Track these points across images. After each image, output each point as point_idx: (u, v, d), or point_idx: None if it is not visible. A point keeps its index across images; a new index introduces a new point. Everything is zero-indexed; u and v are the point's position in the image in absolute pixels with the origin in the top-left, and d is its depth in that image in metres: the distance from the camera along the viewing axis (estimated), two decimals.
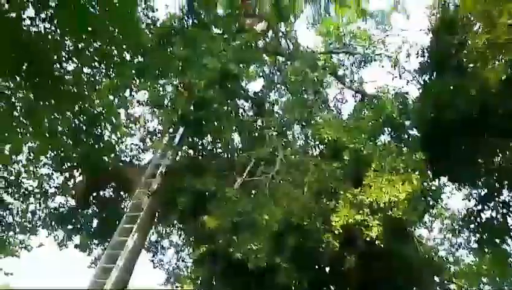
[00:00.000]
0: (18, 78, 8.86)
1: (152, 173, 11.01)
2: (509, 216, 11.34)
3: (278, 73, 12.47)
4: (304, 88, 11.40)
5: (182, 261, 16.30)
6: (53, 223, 13.20)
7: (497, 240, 11.90)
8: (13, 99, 9.33)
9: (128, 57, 10.07)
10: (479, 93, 8.62)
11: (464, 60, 8.80)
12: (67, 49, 9.60)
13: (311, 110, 11.17)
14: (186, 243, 14.21)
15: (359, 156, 8.19)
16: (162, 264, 16.36)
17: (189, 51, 9.45)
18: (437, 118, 9.12)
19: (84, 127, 11.10)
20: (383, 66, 13.09)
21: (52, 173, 12.46)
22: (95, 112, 11.04)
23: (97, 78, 10.58)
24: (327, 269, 10.46)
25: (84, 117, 10.92)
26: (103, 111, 11.13)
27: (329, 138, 8.57)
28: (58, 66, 9.42)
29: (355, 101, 13.04)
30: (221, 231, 8.60)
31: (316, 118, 10.98)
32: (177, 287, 16.02)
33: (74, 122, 10.91)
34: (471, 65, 8.62)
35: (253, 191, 10.38)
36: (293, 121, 11.75)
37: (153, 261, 16.22)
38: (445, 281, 12.21)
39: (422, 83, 10.62)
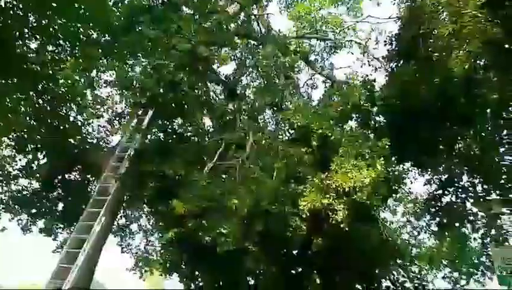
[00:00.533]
0: None
1: (120, 156, 10.81)
2: (468, 201, 11.90)
3: (250, 57, 12.39)
4: (275, 73, 11.40)
5: (151, 245, 16.25)
6: (16, 206, 12.80)
7: (457, 224, 12.48)
8: None
9: (95, 36, 9.74)
10: (443, 82, 8.87)
11: (430, 49, 9.01)
12: (30, 25, 9.18)
13: (282, 95, 11.23)
14: (155, 227, 14.13)
15: (327, 142, 8.32)
16: (130, 249, 16.27)
17: (159, 31, 9.20)
18: (402, 105, 9.36)
19: (48, 108, 10.71)
20: (352, 53, 13.30)
21: (14, 155, 12.01)
22: (60, 92, 10.65)
23: (62, 56, 10.21)
24: (295, 252, 10.67)
25: (49, 97, 10.53)
26: (68, 91, 10.74)
27: (299, 123, 8.64)
28: (20, 42, 9.01)
29: (325, 87, 13.21)
30: (190, 215, 8.56)
31: (287, 103, 11.04)
32: (146, 271, 15.98)
33: (38, 102, 10.51)
34: (437, 54, 8.84)
35: (223, 176, 10.40)
36: (264, 106, 11.77)
37: (121, 245, 16.09)
38: (407, 263, 12.75)
39: (389, 70, 10.84)
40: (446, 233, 13.11)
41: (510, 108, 10.10)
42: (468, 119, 9.87)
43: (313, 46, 14.69)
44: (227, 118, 11.71)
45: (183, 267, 10.51)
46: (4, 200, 12.71)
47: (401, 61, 10.45)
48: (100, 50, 9.89)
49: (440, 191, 12.11)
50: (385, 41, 11.00)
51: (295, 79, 12.02)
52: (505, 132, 10.58)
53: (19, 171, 12.42)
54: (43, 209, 13.23)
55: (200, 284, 11.50)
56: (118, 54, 9.55)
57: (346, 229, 8.12)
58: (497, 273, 12.52)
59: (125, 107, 12.34)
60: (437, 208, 12.32)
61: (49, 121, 10.80)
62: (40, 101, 10.58)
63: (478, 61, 9.20)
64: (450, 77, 8.84)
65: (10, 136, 11.24)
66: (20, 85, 9.39)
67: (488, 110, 10.20)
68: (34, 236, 13.53)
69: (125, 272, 16.36)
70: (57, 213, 13.37)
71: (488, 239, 12.70)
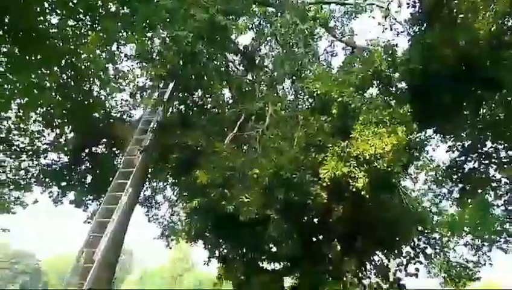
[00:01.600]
0: (0, 32, 8.63)
1: (143, 129, 11.07)
2: (491, 167, 11.70)
3: (268, 25, 12.21)
4: (294, 41, 11.24)
5: (176, 215, 16.77)
6: (47, 179, 13.34)
7: (479, 190, 12.33)
8: None
9: (113, 9, 9.79)
10: (468, 45, 8.59)
11: (455, 10, 8.68)
12: (49, 0, 9.30)
13: (301, 64, 11.11)
14: (179, 197, 14.53)
15: (347, 109, 8.26)
16: (156, 219, 16.86)
17: (176, 1, 9.16)
18: (425, 70, 9.12)
19: (72, 83, 10.95)
20: (374, 17, 12.89)
21: (42, 130, 12.42)
22: (83, 67, 10.85)
23: (82, 31, 10.34)
24: (315, 220, 10.83)
25: (72, 72, 10.76)
26: (91, 66, 10.93)
27: (319, 92, 8.58)
28: (42, 19, 9.16)
29: (345, 54, 12.96)
30: (213, 185, 8.78)
31: (306, 72, 10.93)
32: (172, 239, 16.60)
33: (62, 77, 10.76)
34: (462, 16, 8.52)
35: (244, 146, 10.54)
36: (283, 75, 11.69)
37: (147, 215, 16.68)
38: (429, 231, 12.76)
39: (412, 34, 10.51)
40: (468, 200, 12.99)
41: None
42: (493, 83, 9.56)
43: (333, 12, 14.30)
44: (246, 88, 11.71)
45: (208, 235, 10.85)
46: (35, 174, 13.23)
47: (425, 25, 10.10)
48: (119, 23, 9.97)
49: (463, 158, 11.93)
50: (408, 3, 10.59)
51: (314, 47, 11.79)
52: None
53: (48, 145, 12.85)
54: (73, 182, 13.77)
55: (224, 251, 11.90)
56: (136, 26, 9.60)
57: (367, 196, 8.20)
58: None
59: (146, 80, 12.50)
60: (459, 175, 12.18)
61: (73, 95, 11.08)
62: (64, 77, 10.83)
63: (505, 22, 8.84)
64: (475, 40, 8.55)
65: (37, 112, 11.61)
66: (44, 61, 9.62)
67: None
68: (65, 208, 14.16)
69: (153, 241, 17.07)
70: (86, 185, 13.92)
71: None
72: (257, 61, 12.58)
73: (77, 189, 13.85)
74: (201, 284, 63.01)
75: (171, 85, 10.77)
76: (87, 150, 13.45)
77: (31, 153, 12.70)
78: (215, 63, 10.22)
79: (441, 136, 11.94)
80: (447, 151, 12.17)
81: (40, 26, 9.13)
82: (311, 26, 11.18)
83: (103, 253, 9.14)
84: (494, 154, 11.45)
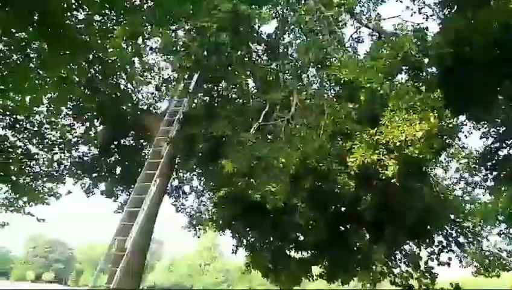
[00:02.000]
0: (31, 29, 8.87)
1: (170, 120, 11.20)
2: None
3: (292, 13, 12.01)
4: (318, 28, 11.03)
5: (203, 205, 16.97)
6: (78, 171, 13.77)
7: None
8: (28, 51, 9.41)
9: (138, 2, 9.88)
10: (501, 28, 8.20)
11: None
12: None
13: (326, 51, 10.90)
14: (206, 187, 14.70)
15: (376, 96, 8.07)
16: (184, 208, 17.11)
17: None
18: (456, 55, 8.78)
19: (100, 77, 11.19)
20: (401, 1, 12.43)
21: (73, 123, 12.79)
22: (110, 61, 11.05)
23: (109, 26, 10.50)
24: (343, 208, 10.74)
25: (100, 67, 10.98)
26: (117, 60, 11.12)
27: (345, 79, 8.42)
28: (68, 14, 9.37)
29: (372, 40, 12.63)
30: (239, 174, 8.82)
31: (332, 60, 10.73)
32: (200, 229, 16.85)
33: (90, 72, 11.00)
34: None
35: (269, 136, 10.50)
36: (308, 64, 11.52)
37: (175, 205, 16.95)
38: (461, 220, 12.43)
39: (442, 17, 10.12)
40: (503, 188, 12.54)
41: None
42: None
43: None
44: (271, 77, 11.63)
45: (235, 224, 10.94)
46: (67, 166, 13.67)
47: (455, 7, 9.71)
48: (143, 17, 10.07)
49: (497, 145, 11.50)
50: None
51: (340, 34, 11.53)
52: None
53: (78, 138, 13.23)
54: (103, 173, 14.17)
55: (252, 239, 12.00)
56: (160, 19, 9.67)
57: (397, 184, 8.04)
58: None
59: (171, 72, 12.63)
60: (493, 162, 11.75)
61: (101, 89, 11.32)
62: (92, 71, 11.07)
63: None
64: (508, 22, 8.15)
65: (67, 106, 11.94)
66: (72, 56, 9.83)
67: None
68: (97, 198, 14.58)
69: (181, 230, 17.38)
70: (116, 176, 14.29)
71: None
72: (281, 50, 12.44)
73: (107, 180, 14.26)
74: (229, 273, 63.98)
75: (196, 76, 10.82)
76: (116, 142, 13.78)
77: (62, 145, 13.11)
78: (240, 53, 10.16)
79: (474, 122, 11.53)
80: (481, 138, 11.78)
81: (67, 22, 9.34)
82: (336, 13, 10.91)
83: (134, 241, 9.37)
84: None
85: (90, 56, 10.53)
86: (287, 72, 11.77)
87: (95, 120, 12.72)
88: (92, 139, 13.20)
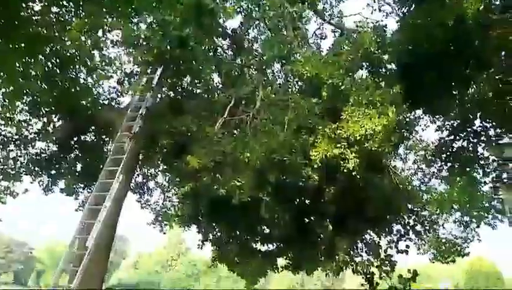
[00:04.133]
0: None
1: (133, 115, 10.96)
2: (479, 145, 11.88)
3: (256, 8, 12.05)
4: (282, 24, 11.14)
5: (169, 201, 16.78)
6: (36, 168, 13.21)
7: (467, 168, 12.55)
8: None
9: None
10: (456, 24, 8.60)
11: None
12: None
13: (290, 47, 11.03)
14: (171, 183, 14.55)
15: (337, 91, 8.28)
16: (149, 205, 16.85)
17: None
18: (414, 51, 9.14)
19: (58, 70, 10.77)
20: None
21: (29, 119, 12.23)
22: (68, 54, 10.66)
23: (66, 17, 10.11)
24: (307, 201, 10.98)
25: (57, 60, 10.57)
26: (76, 53, 10.74)
27: (308, 74, 8.57)
28: (23, 6, 8.93)
29: (335, 37, 12.89)
30: (204, 169, 8.81)
31: (296, 55, 10.88)
32: (165, 225, 16.66)
33: (47, 65, 10.56)
34: None
35: (235, 131, 10.54)
36: (273, 59, 11.62)
37: (140, 202, 16.67)
38: (419, 209, 13.03)
39: (401, 15, 10.48)
40: (457, 178, 13.22)
41: None
42: (481, 62, 9.64)
43: None
44: (236, 72, 11.64)
45: (200, 219, 10.94)
46: (24, 163, 13.09)
47: (413, 5, 10.06)
48: (104, 9, 9.76)
49: (451, 137, 12.08)
50: None
51: (303, 30, 11.70)
52: None
53: (35, 134, 12.68)
54: (63, 170, 13.65)
55: (218, 234, 12.04)
56: (122, 11, 9.41)
57: (358, 177, 8.31)
58: (508, 215, 12.75)
59: (133, 66, 12.31)
60: (448, 154, 12.35)
61: (60, 83, 10.89)
62: (50, 64, 10.63)
63: (493, 1, 8.85)
64: (463, 19, 8.55)
65: (23, 101, 11.41)
66: (28, 49, 9.41)
67: (503, 53, 9.93)
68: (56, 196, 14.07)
69: (146, 227, 17.11)
70: (76, 173, 13.82)
71: (500, 183, 12.78)
72: (246, 45, 12.46)
73: (67, 177, 13.74)
74: (196, 267, 63.83)
75: (159, 70, 10.62)
76: (76, 138, 13.29)
77: (18, 142, 12.54)
78: (204, 47, 10.08)
79: (430, 116, 12.07)
80: (436, 131, 12.33)
81: (22, 13, 8.91)
82: (300, 9, 11.06)
83: (96, 239, 9.16)
84: (482, 133, 11.61)
85: (47, 49, 10.13)
86: (252, 67, 11.82)
87: (53, 115, 12.24)
88: (50, 135, 12.70)
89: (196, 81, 11.27)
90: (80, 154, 13.64)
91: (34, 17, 9.28)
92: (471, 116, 11.41)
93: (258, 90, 10.60)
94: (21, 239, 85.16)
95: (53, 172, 13.59)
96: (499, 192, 12.83)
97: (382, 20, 10.88)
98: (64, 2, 9.53)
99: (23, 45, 9.30)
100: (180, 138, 9.46)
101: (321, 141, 8.14)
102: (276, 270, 12.38)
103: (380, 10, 11.87)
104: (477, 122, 11.54)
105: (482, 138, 11.64)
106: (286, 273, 13.30)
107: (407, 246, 12.00)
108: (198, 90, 11.45)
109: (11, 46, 9.17)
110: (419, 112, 11.93)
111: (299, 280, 65.37)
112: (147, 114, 10.42)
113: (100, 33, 11.15)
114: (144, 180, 16.40)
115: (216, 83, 12.04)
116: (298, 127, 8.98)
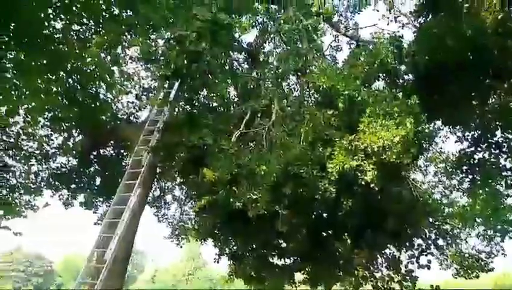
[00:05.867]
0: (6, 38, 8.74)
1: (150, 129, 11.10)
2: (501, 156, 11.57)
3: (271, 22, 12.17)
4: (298, 37, 11.20)
5: (186, 214, 16.85)
6: (56, 183, 13.48)
7: (490, 181, 12.20)
8: (4, 61, 9.26)
9: (116, 11, 9.86)
10: (474, 34, 8.49)
11: None
12: (53, 5, 9.41)
13: (306, 60, 11.06)
14: (188, 196, 14.60)
15: (354, 103, 8.21)
16: (166, 218, 16.94)
17: (178, 0, 9.19)
18: (432, 61, 9.03)
19: (78, 86, 11.06)
20: (378, 10, 12.73)
21: (50, 134, 12.56)
22: (88, 70, 10.95)
23: (87, 35, 10.44)
24: (325, 214, 10.82)
25: (78, 76, 10.87)
26: (96, 69, 11.03)
27: (324, 86, 8.55)
28: (46, 24, 9.27)
29: (350, 49, 12.87)
30: (220, 182, 8.80)
31: (311, 68, 10.89)
32: (182, 238, 16.68)
33: (68, 81, 10.88)
34: (467, 5, 8.42)
35: (251, 144, 10.55)
36: (288, 72, 11.66)
37: (157, 215, 16.78)
38: (440, 223, 12.67)
39: (417, 25, 10.41)
40: (480, 191, 12.86)
41: None
42: (502, 72, 9.46)
43: (336, 6, 14.21)
44: (252, 86, 11.71)
45: (217, 232, 10.89)
46: (44, 178, 13.36)
47: (430, 15, 10.00)
48: (122, 26, 10.03)
49: (472, 148, 11.81)
50: None
51: (319, 42, 11.73)
52: None
53: (56, 149, 12.97)
54: (82, 185, 13.92)
55: (234, 248, 11.95)
56: (140, 28, 9.66)
57: (376, 189, 8.16)
58: None
59: (151, 81, 12.56)
60: (469, 166, 12.06)
61: (80, 99, 11.17)
62: (70, 81, 10.94)
63: None
64: (482, 29, 8.44)
65: (45, 116, 11.73)
66: (50, 65, 9.73)
67: None
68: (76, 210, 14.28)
69: (163, 241, 17.17)
70: (95, 187, 14.05)
71: None
72: (261, 59, 12.56)
73: (87, 191, 14.00)
74: (213, 282, 63.35)
75: (176, 85, 10.78)
76: (95, 153, 13.57)
77: (40, 157, 12.84)
78: (220, 61, 10.21)
79: (450, 127, 11.84)
80: (456, 142, 12.08)
81: (45, 31, 9.25)
82: (315, 22, 11.11)
83: (114, 253, 9.20)
84: (504, 144, 11.33)
85: (69, 66, 10.43)
86: (267, 80, 11.88)
87: (74, 130, 12.52)
88: (70, 149, 12.97)
89: (212, 94, 11.38)
90: (99, 169, 13.90)
91: (56, 35, 9.63)
92: (492, 127, 11.15)
93: (273, 103, 10.62)
94: (41, 252, 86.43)
95: (73, 186, 13.86)
96: None
97: (398, 31, 10.81)
98: (85, 20, 9.86)
99: (45, 61, 9.64)
100: (197, 151, 9.51)
101: (338, 153, 8.05)
102: (293, 285, 12.17)
103: (396, 21, 11.82)
104: (498, 133, 11.27)
105: (504, 149, 11.34)
106: (304, 288, 13.06)
107: (429, 261, 11.64)
108: (214, 104, 11.55)
109: (33, 63, 9.52)
110: (438, 123, 11.74)
111: None
112: (164, 128, 10.54)
113: (119, 50, 11.47)
114: (161, 194, 16.56)
115: (232, 96, 12.14)
116: (314, 139, 8.92)
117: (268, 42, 13.14)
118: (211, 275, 62.26)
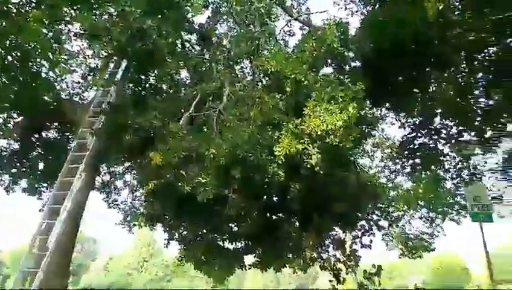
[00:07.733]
0: None
1: (96, 111, 10.66)
2: (439, 142, 12.20)
3: (224, 3, 11.98)
4: (250, 20, 11.11)
5: (138, 200, 16.42)
6: None
7: (430, 165, 12.88)
8: None
9: None
10: (417, 24, 8.79)
11: None
12: None
13: (258, 43, 11.02)
14: (138, 181, 14.22)
15: (300, 87, 8.30)
16: (117, 204, 16.43)
17: None
18: (376, 49, 9.30)
19: (17, 64, 10.36)
20: None
21: None
22: (29, 47, 10.27)
23: (27, 9, 9.75)
24: (274, 198, 10.97)
25: (18, 53, 10.17)
26: (37, 46, 10.36)
27: (272, 70, 8.56)
28: None
29: (303, 34, 12.95)
30: (168, 166, 8.66)
31: (263, 51, 10.87)
32: (134, 225, 16.30)
33: (7, 58, 10.15)
34: None
35: (200, 126, 10.41)
36: (241, 55, 11.57)
37: (107, 201, 16.24)
38: (385, 205, 13.27)
39: (365, 13, 10.65)
40: (422, 175, 13.53)
41: (485, 50, 10.13)
42: (442, 62, 9.90)
43: None
44: (203, 68, 11.52)
45: (166, 217, 10.75)
46: None
47: (377, 4, 10.25)
48: None
49: (414, 134, 12.35)
50: None
51: (271, 26, 11.71)
52: (479, 74, 10.67)
53: None
54: (24, 169, 13.16)
55: (184, 232, 11.87)
56: (82, 2, 9.14)
57: (321, 173, 8.34)
58: (469, 211, 13.15)
59: (98, 60, 11.96)
60: (411, 151, 12.63)
61: (20, 77, 10.48)
62: (9, 58, 10.23)
63: (452, 2, 9.10)
64: (424, 19, 8.75)
65: None
66: None
67: (463, 53, 10.23)
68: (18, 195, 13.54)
69: (116, 228, 16.68)
70: (39, 172, 13.33)
71: (461, 179, 13.19)
72: (214, 41, 12.36)
73: (29, 176, 13.26)
74: (168, 268, 62.93)
75: (123, 65, 10.38)
76: (37, 135, 12.84)
77: None
78: (169, 41, 9.90)
79: (395, 113, 12.31)
80: (399, 128, 12.59)
81: None
82: (267, 5, 11.07)
83: (57, 240, 8.86)
84: (443, 130, 11.92)
85: (7, 42, 9.74)
86: (219, 62, 11.72)
87: (13, 111, 11.75)
88: (10, 132, 12.19)
89: (162, 76, 11.07)
90: (43, 152, 13.18)
91: None
92: (432, 114, 11.69)
93: (225, 86, 10.52)
94: None
95: (14, 171, 13.08)
96: (461, 188, 13.22)
97: (347, 18, 11.04)
98: None
99: None
100: (144, 134, 9.26)
101: (284, 136, 8.13)
102: (243, 268, 12.31)
103: (345, 8, 12.04)
104: (438, 120, 11.85)
105: (443, 136, 11.95)
106: (259, 272, 13.27)
107: (371, 241, 12.22)
108: (164, 86, 11.26)
109: None
110: (385, 109, 12.17)
111: (273, 279, 65.58)
112: (110, 110, 10.15)
113: (63, 26, 10.82)
114: (111, 179, 16.00)
115: (183, 78, 11.89)
116: (263, 123, 8.95)
117: (222, 24, 12.95)
118: (167, 261, 61.68)
